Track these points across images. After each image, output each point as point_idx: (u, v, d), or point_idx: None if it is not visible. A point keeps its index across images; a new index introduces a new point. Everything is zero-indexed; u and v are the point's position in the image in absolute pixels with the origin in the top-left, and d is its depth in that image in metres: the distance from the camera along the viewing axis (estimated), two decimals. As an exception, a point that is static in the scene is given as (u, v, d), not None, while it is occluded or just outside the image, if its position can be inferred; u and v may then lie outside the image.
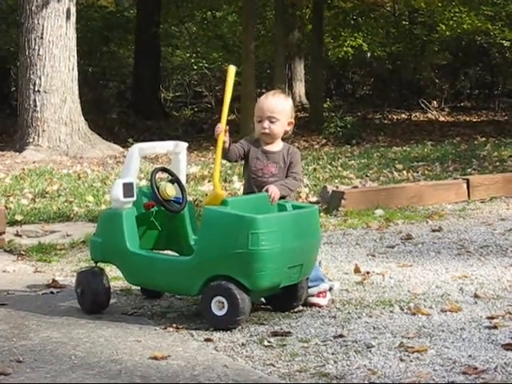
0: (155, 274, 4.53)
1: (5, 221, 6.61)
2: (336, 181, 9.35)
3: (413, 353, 3.89)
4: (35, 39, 13.26)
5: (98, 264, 4.78)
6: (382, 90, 23.13)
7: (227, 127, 4.58)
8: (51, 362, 3.83)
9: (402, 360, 3.81)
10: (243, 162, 4.82)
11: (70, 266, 5.88)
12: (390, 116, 20.86)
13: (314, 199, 8.15)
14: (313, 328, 4.34)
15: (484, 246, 6.33)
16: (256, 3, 17.80)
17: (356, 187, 8.57)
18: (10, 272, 5.72)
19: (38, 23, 13.26)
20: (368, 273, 5.46)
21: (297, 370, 3.73)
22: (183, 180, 4.91)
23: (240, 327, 4.33)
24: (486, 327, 4.27)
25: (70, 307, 4.78)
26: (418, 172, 10.10)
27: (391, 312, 4.60)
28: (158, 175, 4.82)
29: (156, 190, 4.71)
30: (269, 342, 4.11)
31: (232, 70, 4.67)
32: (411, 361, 3.79)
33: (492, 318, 4.41)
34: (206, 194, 7.81)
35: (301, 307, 4.69)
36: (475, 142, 13.69)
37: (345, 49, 19.59)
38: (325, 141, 15.68)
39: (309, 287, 4.69)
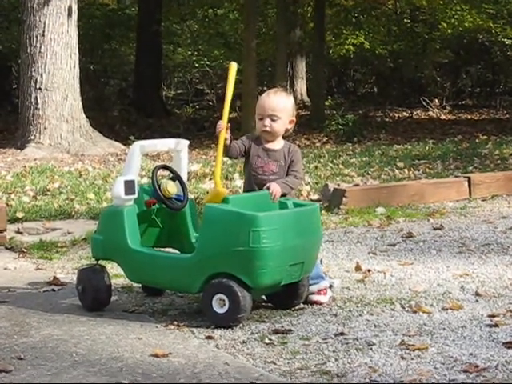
0: (156, 272, 4.53)
1: (6, 218, 6.61)
2: (337, 179, 9.33)
3: (414, 351, 3.89)
4: (37, 37, 13.24)
5: (99, 261, 4.78)
6: (383, 88, 23.12)
7: (229, 124, 4.58)
8: (52, 360, 3.83)
9: (403, 358, 3.81)
10: (244, 159, 4.82)
11: (71, 263, 5.89)
12: (391, 114, 20.84)
13: (316, 197, 8.15)
14: (314, 326, 4.34)
15: (485, 244, 6.33)
16: (257, 1, 17.78)
17: (357, 185, 8.57)
18: (11, 269, 5.72)
19: (40, 21, 13.23)
20: (369, 271, 5.46)
21: (298, 367, 3.73)
22: (184, 178, 4.91)
23: (241, 325, 4.33)
24: (487, 325, 4.27)
25: (71, 304, 4.78)
26: (419, 170, 10.08)
27: (392, 310, 4.60)
28: (159, 173, 4.82)
29: (157, 188, 4.71)
30: (270, 339, 4.11)
31: (233, 66, 4.67)
32: (412, 359, 3.80)
33: (493, 316, 4.41)
34: (208, 192, 7.80)
35: (302, 305, 4.69)
36: (476, 140, 13.66)
37: (346, 47, 19.56)
38: (326, 139, 15.66)
39: (309, 285, 4.70)
